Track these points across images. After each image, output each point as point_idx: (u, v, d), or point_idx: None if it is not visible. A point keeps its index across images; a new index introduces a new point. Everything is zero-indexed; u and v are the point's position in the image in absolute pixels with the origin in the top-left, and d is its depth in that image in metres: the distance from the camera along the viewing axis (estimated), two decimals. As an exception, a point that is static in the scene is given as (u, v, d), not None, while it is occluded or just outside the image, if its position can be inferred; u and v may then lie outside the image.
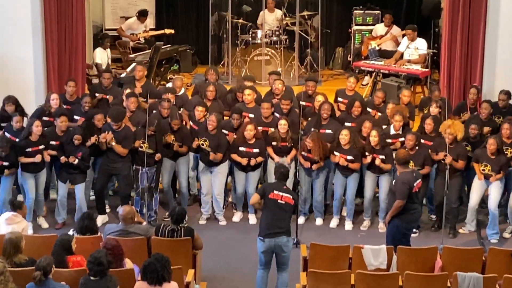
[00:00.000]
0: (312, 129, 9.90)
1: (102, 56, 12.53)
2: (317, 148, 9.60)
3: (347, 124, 10.12)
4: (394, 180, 8.48)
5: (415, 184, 8.31)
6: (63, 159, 9.45)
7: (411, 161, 9.23)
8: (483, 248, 8.12)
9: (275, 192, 7.88)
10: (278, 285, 8.04)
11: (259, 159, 9.89)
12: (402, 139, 9.84)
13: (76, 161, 9.47)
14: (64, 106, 10.47)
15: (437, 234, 9.51)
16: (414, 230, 9.30)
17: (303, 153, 9.72)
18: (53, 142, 9.68)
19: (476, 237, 9.61)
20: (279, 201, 7.86)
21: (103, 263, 6.58)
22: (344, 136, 9.60)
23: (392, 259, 7.78)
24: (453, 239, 9.42)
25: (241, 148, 9.83)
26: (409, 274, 7.29)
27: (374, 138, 9.56)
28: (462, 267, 7.52)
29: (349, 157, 9.60)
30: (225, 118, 10.55)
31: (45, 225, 9.81)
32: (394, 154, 9.49)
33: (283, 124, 9.83)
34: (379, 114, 10.55)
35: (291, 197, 7.91)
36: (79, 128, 9.83)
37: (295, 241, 9.17)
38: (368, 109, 10.62)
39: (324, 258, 7.81)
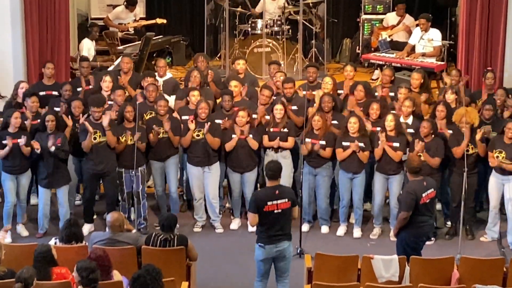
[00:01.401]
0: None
1: (89, 47, 12.53)
2: (325, 126, 9.65)
3: (348, 108, 10.16)
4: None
5: (423, 195, 8.20)
6: (36, 143, 9.28)
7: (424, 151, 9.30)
8: (504, 258, 8.10)
9: (269, 203, 7.68)
10: None
11: (254, 143, 9.81)
12: (410, 130, 9.82)
13: (53, 148, 9.31)
14: (43, 93, 10.51)
15: (453, 242, 9.52)
16: (431, 238, 9.33)
17: (307, 140, 9.68)
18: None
19: (497, 246, 9.62)
20: (275, 211, 7.72)
21: (93, 269, 6.60)
22: (353, 124, 9.60)
23: (404, 271, 7.76)
24: (472, 249, 9.41)
25: (234, 136, 9.84)
26: (424, 287, 7.27)
27: (390, 123, 9.55)
28: (481, 279, 7.51)
29: (361, 145, 9.60)
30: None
31: (24, 233, 9.80)
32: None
33: (279, 109, 9.84)
34: (390, 94, 10.54)
35: (287, 200, 7.75)
36: (51, 109, 9.79)
37: (298, 251, 9.19)
38: (376, 94, 10.65)
39: (331, 269, 7.80)
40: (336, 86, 10.65)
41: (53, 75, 10.82)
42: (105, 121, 9.50)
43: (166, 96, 10.49)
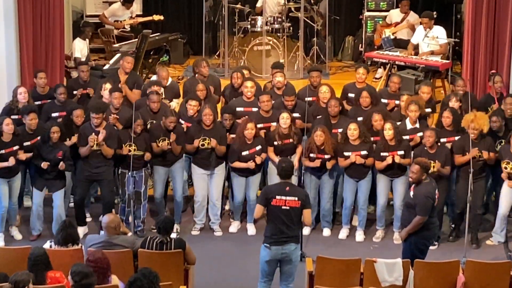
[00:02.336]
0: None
1: (81, 48, 12.52)
2: (330, 141, 9.60)
3: (359, 119, 10.10)
4: (412, 193, 8.37)
5: (436, 197, 8.28)
6: (45, 164, 9.35)
7: (435, 160, 9.29)
8: (511, 262, 8.10)
9: (278, 197, 7.81)
10: None
11: (263, 155, 9.84)
12: (421, 133, 9.82)
13: (64, 166, 9.43)
14: (39, 102, 10.48)
15: (459, 246, 9.51)
16: (435, 242, 9.34)
17: (311, 155, 9.69)
18: (27, 143, 9.64)
19: (504, 249, 9.63)
20: (283, 207, 7.81)
21: (90, 273, 6.60)
22: (352, 131, 9.59)
23: (408, 275, 7.76)
24: (477, 252, 9.41)
25: (244, 153, 9.78)
26: (428, 291, 7.32)
27: (388, 131, 9.51)
28: (487, 283, 7.56)
29: (364, 152, 9.59)
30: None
31: (18, 236, 9.79)
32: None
33: (285, 118, 9.78)
34: (397, 102, 10.53)
35: (297, 198, 7.83)
36: (55, 121, 9.79)
37: (299, 254, 9.17)
38: (383, 100, 10.63)
39: (333, 273, 7.80)
40: (334, 93, 10.51)
41: (46, 84, 10.73)
42: (100, 137, 9.49)
43: (166, 101, 10.53)
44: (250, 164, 9.76)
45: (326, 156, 9.68)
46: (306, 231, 9.84)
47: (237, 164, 9.83)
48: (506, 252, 9.55)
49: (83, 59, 12.29)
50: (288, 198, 7.81)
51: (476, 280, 7.70)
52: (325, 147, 9.64)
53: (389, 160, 9.51)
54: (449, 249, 9.52)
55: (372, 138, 9.81)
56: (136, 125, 9.53)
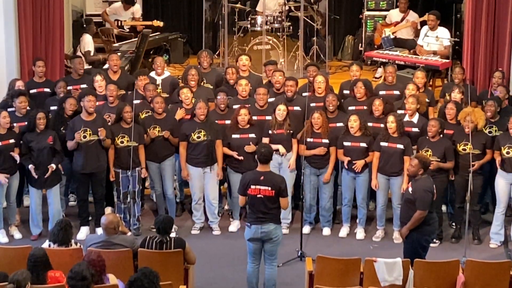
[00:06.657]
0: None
1: (91, 42, 12.57)
2: (326, 124, 9.65)
3: (350, 108, 10.17)
4: (410, 188, 8.38)
5: (434, 191, 8.29)
6: (31, 167, 9.37)
7: (429, 150, 9.33)
8: (511, 261, 8.10)
9: (252, 186, 8.05)
10: (266, 281, 8.25)
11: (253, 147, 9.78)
12: (415, 129, 9.84)
13: (54, 166, 9.44)
14: (35, 90, 10.51)
15: (458, 245, 9.52)
16: (435, 240, 9.35)
17: (308, 139, 9.64)
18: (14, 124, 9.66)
19: (503, 248, 9.63)
20: (258, 196, 8.06)
21: (86, 277, 6.59)
22: (353, 122, 9.60)
23: (408, 274, 7.76)
24: (477, 252, 9.40)
25: (235, 136, 9.80)
26: (428, 291, 7.32)
27: (391, 124, 9.53)
28: (487, 283, 7.55)
29: (363, 144, 9.61)
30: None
31: (18, 235, 9.79)
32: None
33: (281, 110, 9.78)
34: (395, 92, 10.57)
35: (270, 188, 8.02)
36: (43, 108, 9.78)
37: (299, 254, 9.20)
38: (381, 92, 10.64)
39: (332, 273, 7.80)
40: (328, 84, 10.58)
41: (44, 73, 10.78)
42: (101, 134, 9.52)
43: (164, 95, 10.54)
44: (234, 153, 9.78)
45: (323, 141, 9.68)
46: (306, 230, 9.86)
47: (225, 150, 9.84)
48: (506, 251, 9.55)
49: (92, 54, 12.36)
50: (262, 187, 8.05)
51: (476, 279, 7.70)
52: (321, 130, 9.67)
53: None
54: (449, 248, 9.52)
55: (371, 124, 9.83)
56: (124, 112, 9.58)
